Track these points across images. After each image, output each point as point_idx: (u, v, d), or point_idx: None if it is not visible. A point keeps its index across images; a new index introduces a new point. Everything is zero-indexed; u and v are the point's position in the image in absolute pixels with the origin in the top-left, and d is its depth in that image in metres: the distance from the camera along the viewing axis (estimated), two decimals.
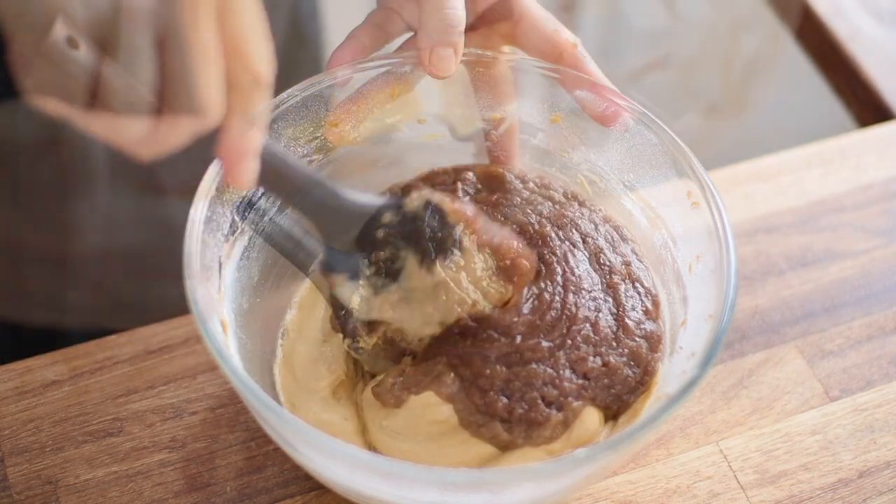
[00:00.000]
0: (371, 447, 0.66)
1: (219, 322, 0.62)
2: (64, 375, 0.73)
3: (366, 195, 0.67)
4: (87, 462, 0.70)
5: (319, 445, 0.57)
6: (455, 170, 0.73)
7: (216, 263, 0.64)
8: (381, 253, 0.66)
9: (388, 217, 0.66)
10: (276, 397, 0.67)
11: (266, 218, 0.68)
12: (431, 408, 0.64)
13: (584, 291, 0.67)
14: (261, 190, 0.66)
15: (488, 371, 0.64)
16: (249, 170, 0.53)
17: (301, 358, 0.69)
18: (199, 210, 0.62)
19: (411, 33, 0.71)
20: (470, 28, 0.67)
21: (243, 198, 0.66)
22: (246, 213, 0.67)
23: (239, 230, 0.67)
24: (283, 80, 0.61)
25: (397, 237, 0.66)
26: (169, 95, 0.49)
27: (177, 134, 0.51)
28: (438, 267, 0.65)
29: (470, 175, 0.72)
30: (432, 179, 0.72)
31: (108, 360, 0.74)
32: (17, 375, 0.73)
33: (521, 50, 0.71)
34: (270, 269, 0.70)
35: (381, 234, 0.66)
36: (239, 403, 0.72)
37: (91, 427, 0.71)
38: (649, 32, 1.84)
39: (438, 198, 0.66)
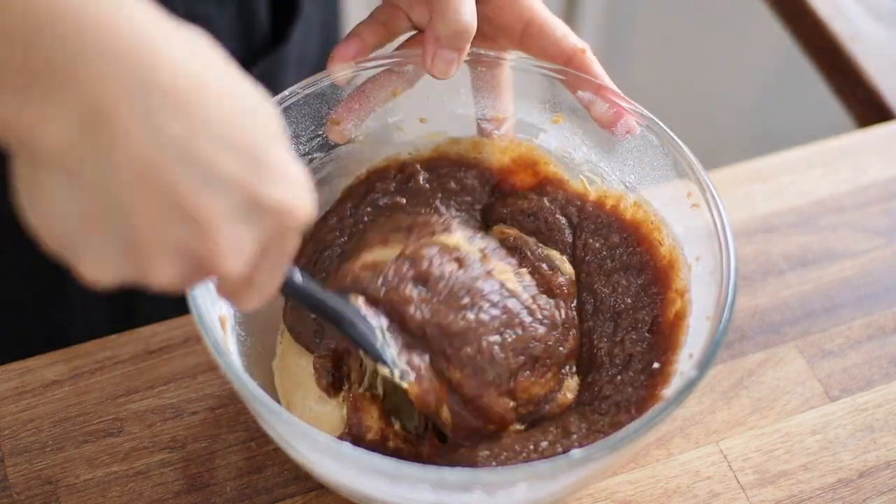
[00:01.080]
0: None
1: (218, 321, 0.62)
2: (64, 375, 0.73)
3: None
4: (87, 462, 0.70)
5: (318, 445, 0.57)
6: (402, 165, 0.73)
7: None
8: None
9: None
10: (275, 396, 0.67)
11: None
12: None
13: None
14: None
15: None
16: None
17: (296, 355, 0.69)
18: None
19: (413, 31, 0.71)
20: (479, 32, 0.67)
21: None
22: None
23: None
24: None
25: None
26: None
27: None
28: None
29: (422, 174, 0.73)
30: (375, 178, 0.73)
31: (108, 360, 0.74)
32: (17, 375, 0.73)
33: (530, 55, 0.71)
34: None
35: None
36: (239, 403, 0.72)
37: (91, 427, 0.71)
38: (648, 34, 1.85)
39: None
